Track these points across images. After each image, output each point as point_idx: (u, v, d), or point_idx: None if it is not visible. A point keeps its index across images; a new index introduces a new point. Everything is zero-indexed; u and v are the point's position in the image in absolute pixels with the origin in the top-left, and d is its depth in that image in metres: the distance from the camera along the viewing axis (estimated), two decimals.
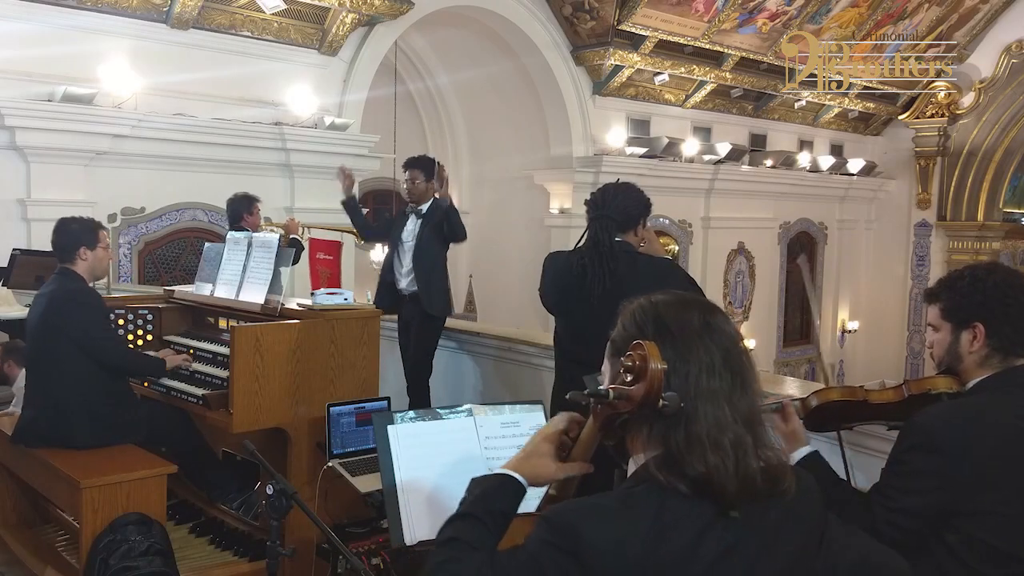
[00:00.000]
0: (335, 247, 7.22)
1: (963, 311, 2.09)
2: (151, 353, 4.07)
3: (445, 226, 5.03)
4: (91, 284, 3.89)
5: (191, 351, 4.10)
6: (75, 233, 3.80)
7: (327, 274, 7.02)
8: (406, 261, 5.15)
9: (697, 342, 1.34)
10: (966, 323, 2.09)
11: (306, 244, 6.55)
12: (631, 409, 1.34)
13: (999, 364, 2.08)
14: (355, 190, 5.69)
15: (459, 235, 5.12)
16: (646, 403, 1.31)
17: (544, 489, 1.54)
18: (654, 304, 1.40)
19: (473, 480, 1.51)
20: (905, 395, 2.17)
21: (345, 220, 5.87)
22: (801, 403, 2.28)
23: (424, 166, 5.21)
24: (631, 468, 1.40)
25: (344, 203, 5.54)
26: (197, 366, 3.96)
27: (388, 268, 5.29)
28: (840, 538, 1.50)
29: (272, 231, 5.67)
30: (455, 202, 5.35)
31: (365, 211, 6.12)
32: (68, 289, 3.71)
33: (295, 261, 5.90)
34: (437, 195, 5.11)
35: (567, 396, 1.46)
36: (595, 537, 1.27)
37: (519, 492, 1.47)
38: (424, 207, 5.17)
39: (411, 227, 5.20)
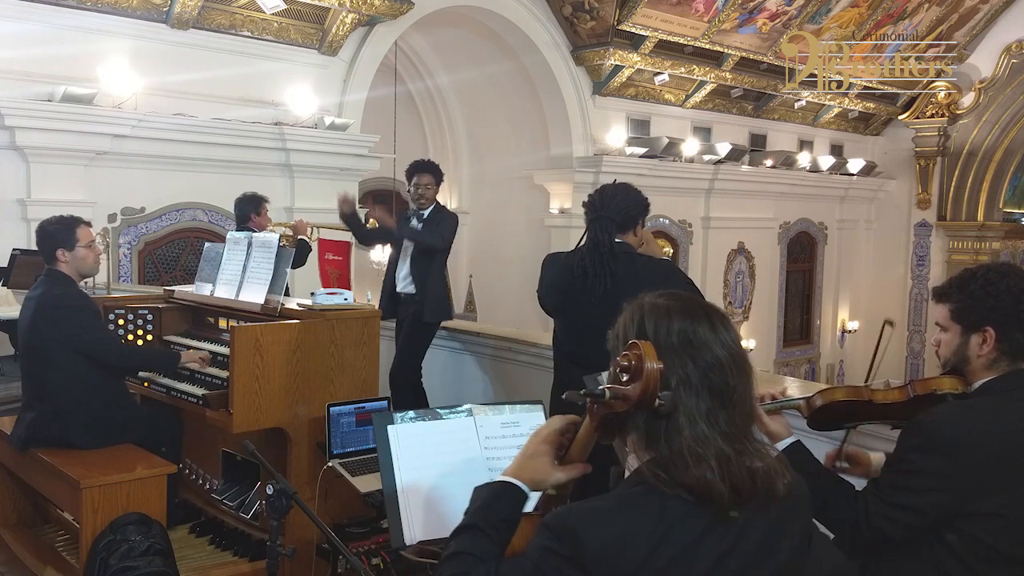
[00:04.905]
0: (344, 247, 7.15)
1: (974, 314, 2.05)
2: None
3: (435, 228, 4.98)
4: (81, 282, 3.83)
5: (190, 351, 4.08)
6: (50, 235, 3.71)
7: (336, 274, 6.97)
8: (405, 264, 5.13)
9: (674, 358, 1.33)
10: (977, 326, 2.05)
11: (315, 245, 6.52)
12: (627, 409, 1.33)
13: (1007, 367, 2.05)
14: (356, 203, 5.68)
15: (437, 244, 4.98)
16: (642, 403, 1.31)
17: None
18: (641, 308, 1.40)
19: (476, 489, 1.51)
20: (910, 395, 2.14)
21: None
22: (805, 402, 2.26)
23: (437, 172, 5.21)
24: (630, 467, 1.40)
25: (344, 218, 5.48)
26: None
27: (390, 273, 5.27)
28: (821, 545, 1.50)
29: (274, 231, 5.65)
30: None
31: (364, 210, 6.10)
32: (54, 295, 3.66)
33: (302, 263, 5.89)
34: None
35: (563, 396, 1.45)
36: (595, 540, 1.27)
37: (521, 499, 1.47)
38: (427, 212, 5.15)
39: None
